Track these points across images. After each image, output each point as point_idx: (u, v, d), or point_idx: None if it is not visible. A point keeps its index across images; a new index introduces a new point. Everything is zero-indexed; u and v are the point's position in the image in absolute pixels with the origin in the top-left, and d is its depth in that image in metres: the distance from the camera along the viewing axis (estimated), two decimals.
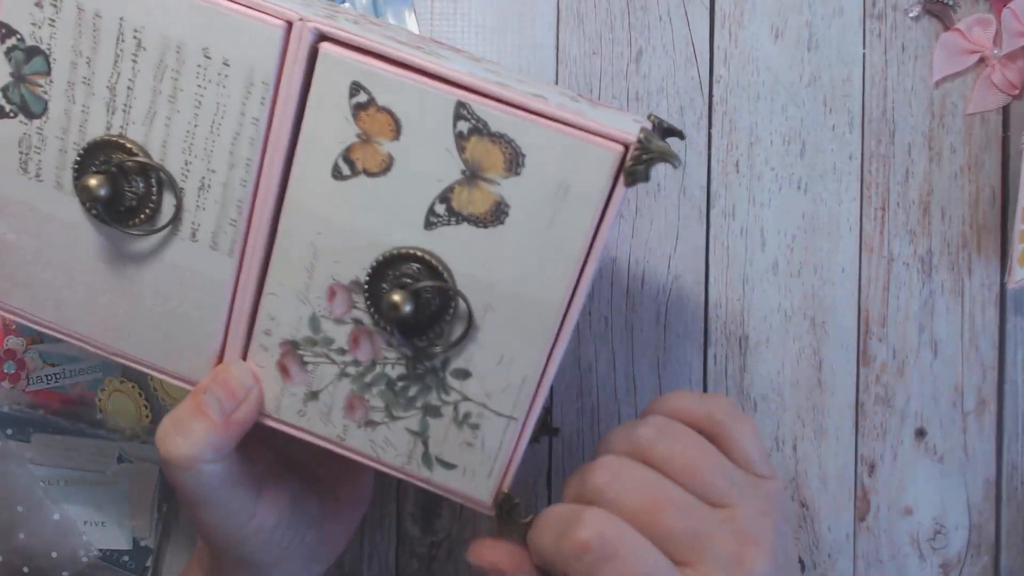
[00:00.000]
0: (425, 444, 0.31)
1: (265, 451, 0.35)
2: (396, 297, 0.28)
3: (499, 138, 0.28)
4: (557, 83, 0.45)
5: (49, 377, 0.45)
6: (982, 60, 0.43)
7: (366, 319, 0.30)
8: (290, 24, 0.28)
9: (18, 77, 0.30)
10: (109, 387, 0.44)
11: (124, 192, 0.30)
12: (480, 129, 0.28)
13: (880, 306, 0.45)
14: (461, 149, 0.28)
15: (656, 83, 0.44)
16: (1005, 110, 0.44)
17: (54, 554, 0.44)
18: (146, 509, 0.44)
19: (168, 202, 0.30)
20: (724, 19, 0.44)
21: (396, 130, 0.28)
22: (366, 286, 0.29)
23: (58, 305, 0.32)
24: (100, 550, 0.44)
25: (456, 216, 0.29)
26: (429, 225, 0.29)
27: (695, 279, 0.45)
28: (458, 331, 0.30)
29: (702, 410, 0.32)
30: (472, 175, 0.28)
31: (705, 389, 0.45)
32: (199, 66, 0.29)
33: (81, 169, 0.30)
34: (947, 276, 0.44)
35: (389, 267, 0.29)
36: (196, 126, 0.30)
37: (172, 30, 0.29)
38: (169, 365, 0.32)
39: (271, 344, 0.31)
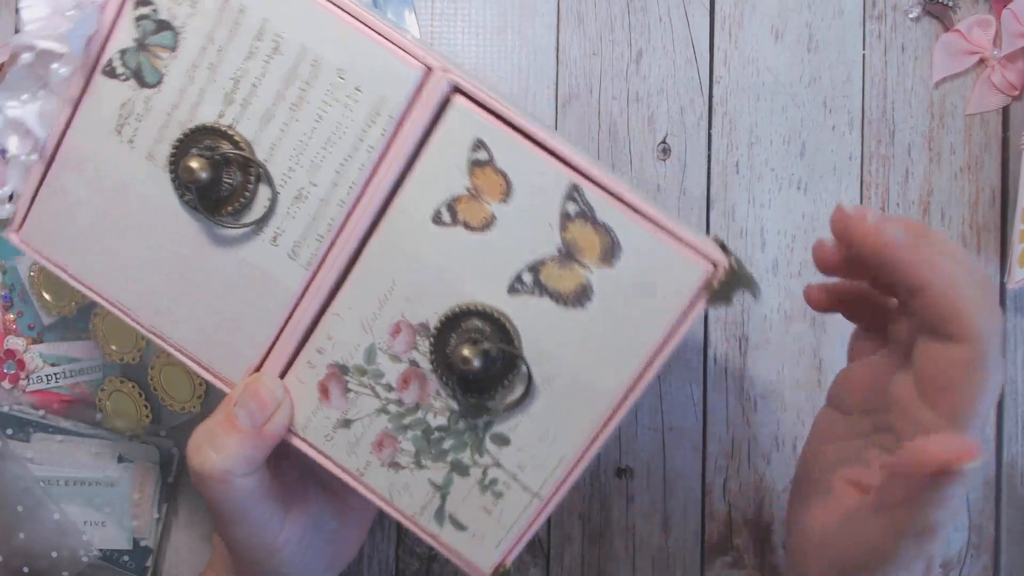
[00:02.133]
0: (443, 499, 0.31)
1: (290, 467, 0.36)
2: (467, 352, 0.28)
3: (602, 227, 0.29)
4: (557, 83, 0.45)
5: (49, 377, 0.45)
6: (982, 61, 0.44)
7: (424, 363, 0.30)
8: (430, 70, 0.29)
9: (141, 45, 0.30)
10: (109, 387, 0.44)
11: (221, 181, 0.30)
12: (586, 214, 0.29)
13: None
14: (563, 228, 0.29)
15: (656, 83, 0.44)
16: (1005, 110, 0.44)
17: (54, 554, 0.44)
18: (146, 509, 0.44)
19: (260, 202, 0.31)
20: (724, 20, 0.44)
21: (506, 193, 0.29)
22: (435, 332, 0.30)
23: (109, 271, 0.32)
24: (100, 550, 0.44)
25: (540, 288, 0.29)
26: (512, 290, 0.29)
27: None
28: (512, 397, 0.30)
29: None
30: (567, 255, 0.29)
31: (705, 389, 0.45)
32: (331, 84, 0.29)
33: (181, 148, 0.30)
34: None
35: (462, 319, 0.29)
36: (311, 138, 0.30)
37: (313, 44, 0.29)
38: (205, 358, 0.32)
39: (319, 363, 0.31)
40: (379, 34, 0.29)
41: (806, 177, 0.44)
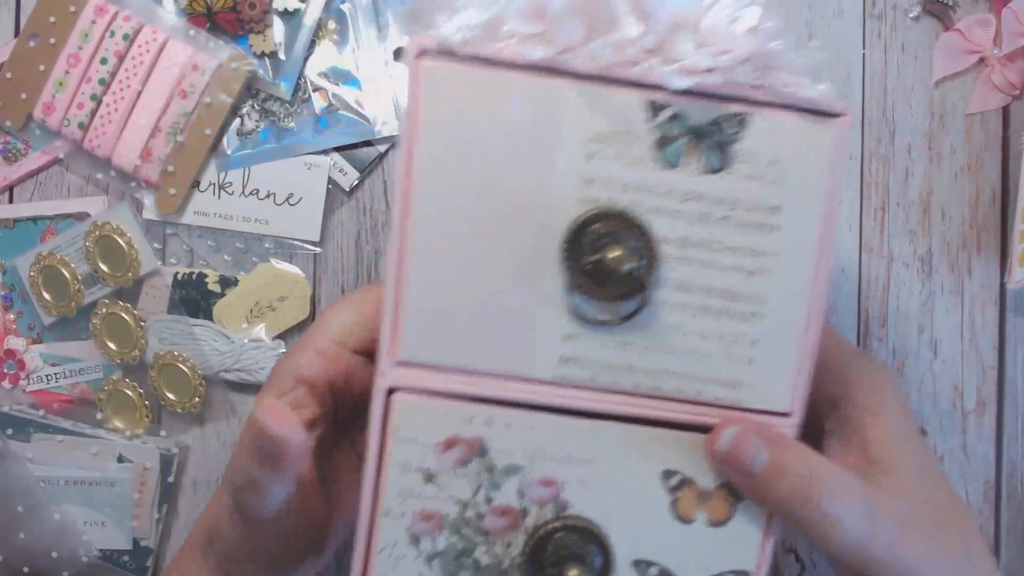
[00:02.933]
0: None
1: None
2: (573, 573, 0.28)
3: None
4: None
5: (49, 377, 0.45)
6: (982, 60, 0.43)
7: (530, 522, 0.29)
8: None
9: (702, 133, 0.28)
10: (109, 387, 0.44)
11: (623, 280, 0.28)
12: None
13: (880, 306, 0.44)
14: None
15: None
16: (1005, 110, 0.44)
17: (54, 554, 0.44)
18: (146, 509, 0.44)
19: (610, 308, 0.28)
20: None
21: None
22: (567, 522, 0.29)
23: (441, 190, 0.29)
24: (100, 550, 0.44)
25: None
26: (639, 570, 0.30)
27: None
28: None
29: None
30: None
31: None
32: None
33: (611, 219, 0.28)
34: (947, 276, 0.44)
35: (590, 538, 0.29)
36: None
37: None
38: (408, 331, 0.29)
39: (480, 424, 0.29)
40: None
41: None
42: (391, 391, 0.29)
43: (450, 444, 0.29)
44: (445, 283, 0.28)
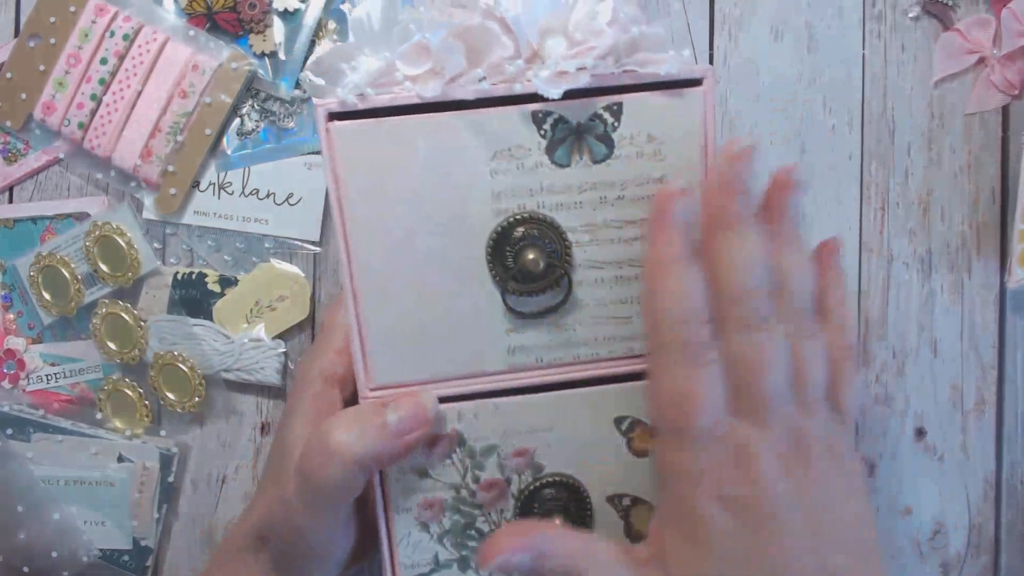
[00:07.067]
0: (431, 573, 0.35)
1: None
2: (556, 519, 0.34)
3: None
4: None
5: (49, 377, 0.45)
6: (982, 60, 0.44)
7: (515, 487, 0.34)
8: None
9: (582, 131, 0.32)
10: (109, 387, 0.44)
11: (536, 275, 0.32)
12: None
13: (880, 306, 0.45)
14: None
15: None
16: (1005, 110, 0.44)
17: (54, 554, 0.44)
18: (146, 509, 0.44)
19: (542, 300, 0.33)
20: (724, 20, 0.44)
21: None
22: (542, 480, 0.34)
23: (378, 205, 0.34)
24: (100, 550, 0.44)
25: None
26: (616, 506, 0.35)
27: None
28: None
29: None
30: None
31: None
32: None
33: (522, 221, 0.32)
34: (947, 276, 0.44)
35: (570, 490, 0.34)
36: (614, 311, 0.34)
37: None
38: (373, 346, 0.33)
39: (453, 422, 0.34)
40: None
41: (806, 177, 0.44)
42: None
43: (433, 443, 0.34)
44: (398, 313, 0.33)
